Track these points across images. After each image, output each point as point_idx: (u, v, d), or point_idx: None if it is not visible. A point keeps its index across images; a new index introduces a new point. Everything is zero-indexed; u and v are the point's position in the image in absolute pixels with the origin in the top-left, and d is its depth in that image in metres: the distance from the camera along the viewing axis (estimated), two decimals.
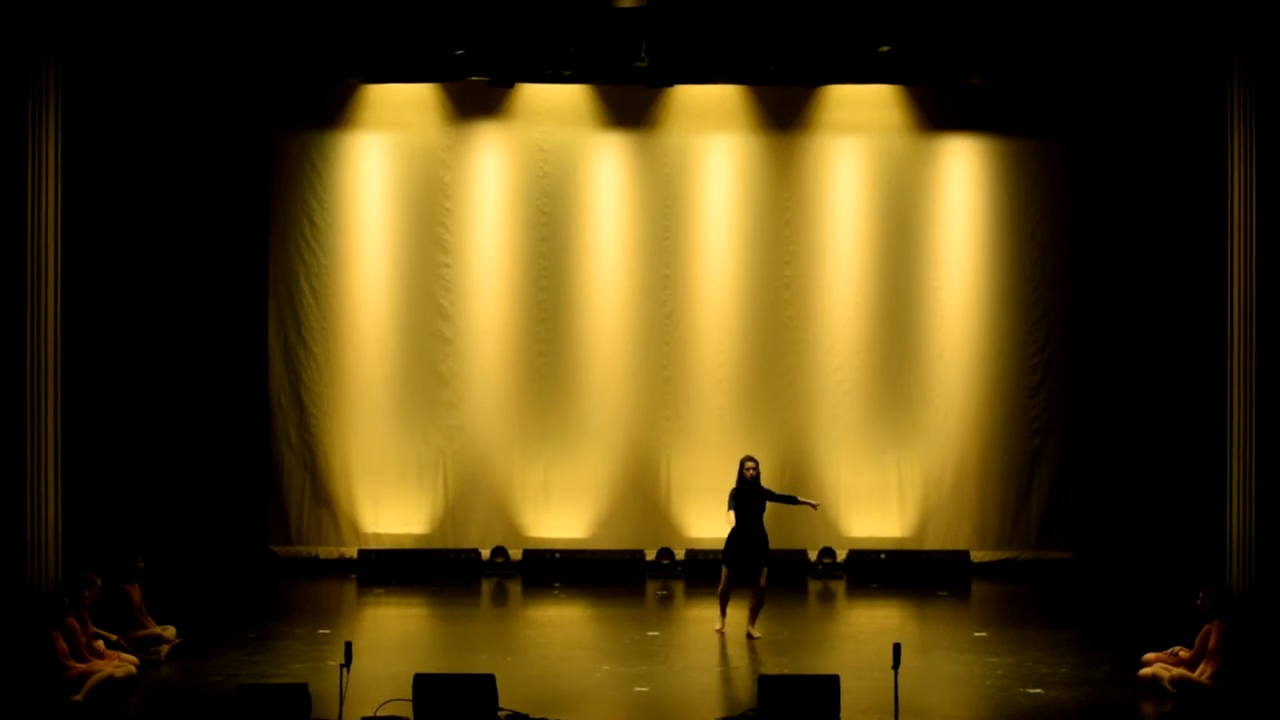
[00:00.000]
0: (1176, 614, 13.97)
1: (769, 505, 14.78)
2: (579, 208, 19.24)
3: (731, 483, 14.73)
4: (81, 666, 12.19)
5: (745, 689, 12.52)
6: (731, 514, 14.68)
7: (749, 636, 14.64)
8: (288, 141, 19.09)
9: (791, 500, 15.46)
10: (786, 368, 19.16)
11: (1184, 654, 12.71)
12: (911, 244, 19.25)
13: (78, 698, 11.90)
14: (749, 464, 14.71)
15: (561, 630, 16.10)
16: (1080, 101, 18.85)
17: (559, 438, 19.08)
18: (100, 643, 12.81)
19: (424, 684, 11.06)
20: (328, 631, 15.06)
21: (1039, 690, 12.59)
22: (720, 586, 14.85)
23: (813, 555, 18.86)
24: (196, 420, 18.24)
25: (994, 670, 13.41)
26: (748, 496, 14.67)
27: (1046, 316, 19.21)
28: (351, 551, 18.91)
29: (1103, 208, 18.89)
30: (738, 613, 14.82)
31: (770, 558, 14.76)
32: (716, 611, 14.88)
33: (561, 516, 19.03)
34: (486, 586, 18.24)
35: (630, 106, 19.14)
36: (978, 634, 15.25)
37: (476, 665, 12.89)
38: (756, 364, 19.15)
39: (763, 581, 14.63)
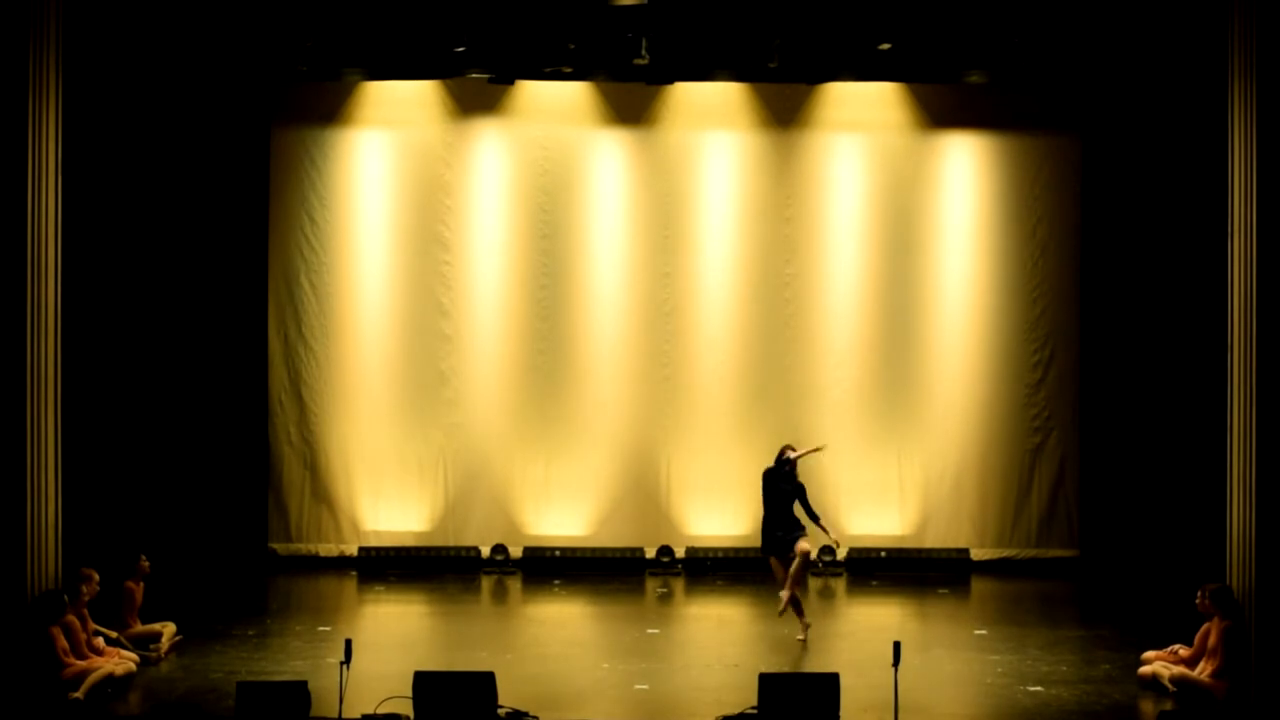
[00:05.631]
0: (1177, 612, 13.96)
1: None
2: (579, 205, 19.21)
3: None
4: (81, 664, 12.19)
5: (745, 687, 12.49)
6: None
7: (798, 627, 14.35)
8: (288, 138, 19.08)
9: (813, 518, 14.71)
10: (787, 366, 19.14)
11: (1184, 652, 12.72)
12: (913, 242, 19.22)
13: (77, 695, 11.91)
14: (788, 450, 14.47)
15: (561, 628, 16.10)
16: (1082, 99, 18.83)
17: (559, 435, 19.06)
18: (100, 640, 12.81)
19: (424, 681, 11.05)
20: (328, 629, 15.06)
21: (1039, 688, 12.60)
22: (781, 583, 14.39)
23: (813, 553, 18.81)
24: (196, 417, 18.21)
25: (994, 668, 13.41)
26: (777, 481, 14.40)
27: (1048, 314, 19.19)
28: (351, 549, 18.90)
29: (1105, 205, 18.87)
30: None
31: (799, 534, 14.35)
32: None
33: (561, 514, 19.02)
34: (486, 584, 18.23)
35: (630, 104, 19.12)
36: (978, 632, 15.25)
37: (476, 663, 12.86)
38: (757, 362, 19.13)
39: (797, 553, 14.15)
